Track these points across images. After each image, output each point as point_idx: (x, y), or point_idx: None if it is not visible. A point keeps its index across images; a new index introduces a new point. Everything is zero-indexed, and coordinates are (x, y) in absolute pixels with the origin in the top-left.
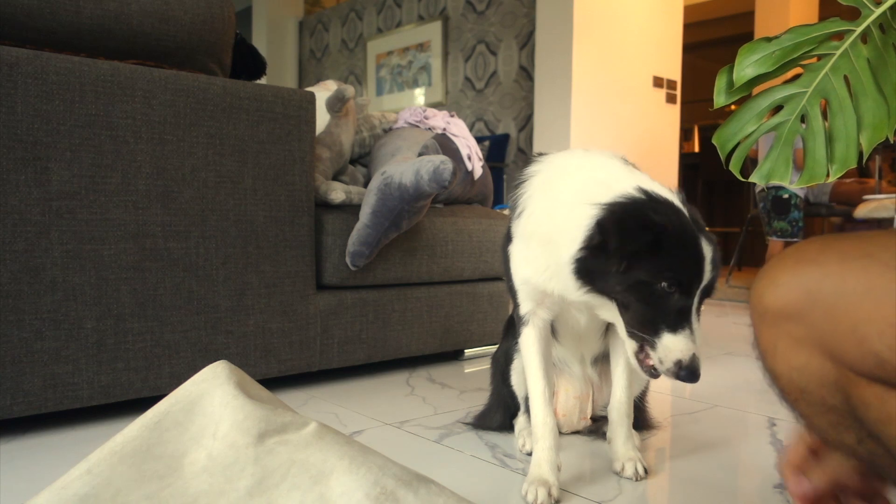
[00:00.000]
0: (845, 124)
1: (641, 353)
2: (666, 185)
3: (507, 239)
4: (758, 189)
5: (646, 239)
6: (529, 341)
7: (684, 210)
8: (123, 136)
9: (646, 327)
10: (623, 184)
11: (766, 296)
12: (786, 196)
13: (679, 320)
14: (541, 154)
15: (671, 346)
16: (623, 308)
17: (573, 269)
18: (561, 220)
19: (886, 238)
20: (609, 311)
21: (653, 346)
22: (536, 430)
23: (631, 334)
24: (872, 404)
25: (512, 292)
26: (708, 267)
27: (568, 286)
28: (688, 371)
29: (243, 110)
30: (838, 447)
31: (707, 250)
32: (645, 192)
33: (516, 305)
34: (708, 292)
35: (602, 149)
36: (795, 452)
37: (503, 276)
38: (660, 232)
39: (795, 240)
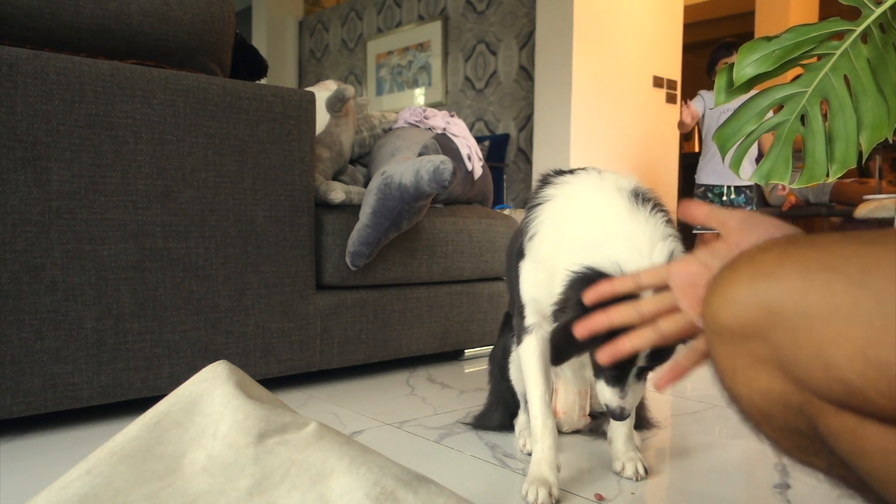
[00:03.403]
0: (845, 124)
1: None
2: (666, 242)
3: (520, 255)
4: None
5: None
6: (530, 350)
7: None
8: (123, 136)
9: (594, 369)
10: (606, 249)
11: (721, 314)
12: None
13: (613, 379)
14: (559, 172)
15: (601, 391)
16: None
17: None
18: (560, 264)
19: (850, 247)
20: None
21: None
22: (536, 430)
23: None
24: (843, 436)
25: (515, 303)
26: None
27: None
28: (612, 414)
29: (243, 110)
30: (809, 468)
31: None
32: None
33: (521, 316)
34: (657, 363)
35: (613, 168)
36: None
37: (507, 283)
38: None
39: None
